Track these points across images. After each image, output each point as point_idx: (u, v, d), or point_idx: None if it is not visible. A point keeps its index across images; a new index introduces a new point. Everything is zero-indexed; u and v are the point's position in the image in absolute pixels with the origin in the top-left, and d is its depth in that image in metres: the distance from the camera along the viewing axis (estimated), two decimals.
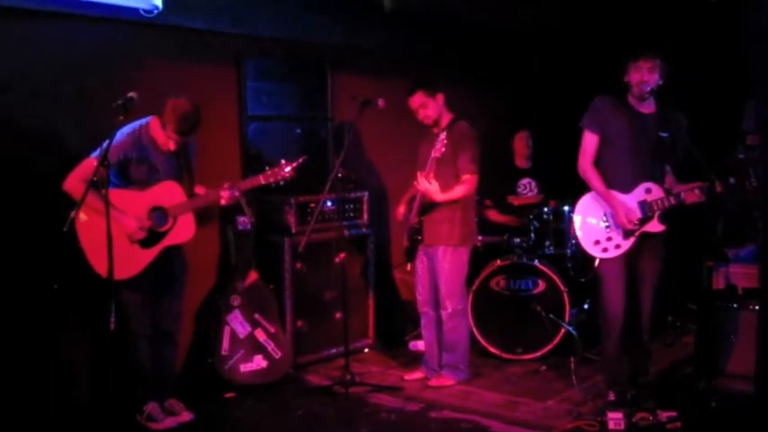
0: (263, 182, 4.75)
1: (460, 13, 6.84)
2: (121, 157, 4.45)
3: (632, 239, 4.52)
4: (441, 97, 5.28)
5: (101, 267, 4.28)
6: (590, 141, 4.64)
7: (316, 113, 6.40)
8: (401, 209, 5.53)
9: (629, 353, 4.71)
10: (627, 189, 4.53)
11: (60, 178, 4.40)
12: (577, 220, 4.70)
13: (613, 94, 4.65)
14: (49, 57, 4.78)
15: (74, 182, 4.36)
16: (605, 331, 4.70)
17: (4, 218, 4.55)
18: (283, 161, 4.76)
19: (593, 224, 4.62)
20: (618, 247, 4.55)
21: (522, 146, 6.77)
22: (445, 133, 5.04)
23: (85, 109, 4.83)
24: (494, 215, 6.52)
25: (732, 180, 4.33)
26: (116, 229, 3.99)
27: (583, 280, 6.02)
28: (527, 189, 6.69)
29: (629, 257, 4.58)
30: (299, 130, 6.33)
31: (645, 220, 4.50)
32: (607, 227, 4.57)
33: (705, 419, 4.49)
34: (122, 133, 4.43)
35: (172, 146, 4.53)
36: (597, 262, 4.66)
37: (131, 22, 5.06)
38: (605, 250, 4.57)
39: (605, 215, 4.59)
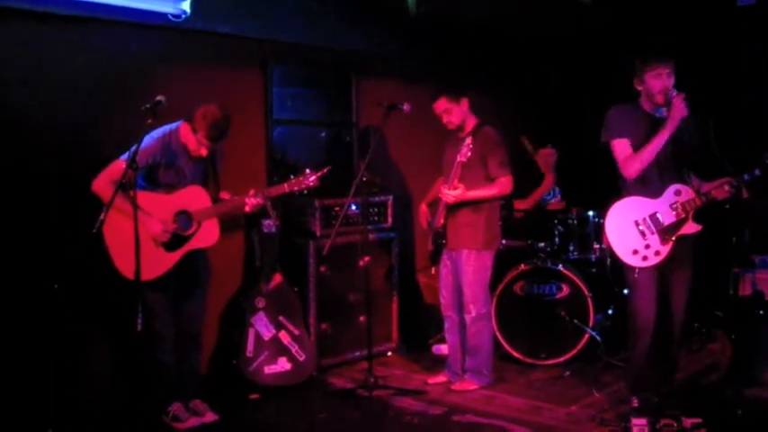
0: (287, 190, 4.78)
1: (485, 18, 6.85)
2: (150, 161, 4.51)
3: (670, 243, 4.41)
4: (465, 102, 5.29)
5: (125, 269, 4.35)
6: (623, 147, 4.49)
7: (340, 118, 6.44)
8: (423, 208, 5.57)
9: (656, 361, 4.63)
10: (656, 194, 4.46)
11: (89, 179, 4.47)
12: (610, 231, 4.53)
13: (626, 103, 4.59)
14: (79, 61, 4.86)
15: (102, 183, 4.42)
16: (634, 339, 4.61)
17: (36, 218, 4.64)
18: (308, 170, 4.79)
19: (627, 233, 4.47)
20: (657, 253, 4.42)
21: (545, 163, 6.78)
22: (471, 137, 5.05)
23: (114, 112, 4.90)
24: (517, 204, 6.55)
25: (758, 172, 4.23)
26: (141, 231, 4.03)
27: (626, 291, 5.96)
28: (550, 195, 6.69)
29: (661, 265, 4.48)
30: (323, 135, 6.38)
31: (679, 223, 4.43)
32: (642, 233, 4.46)
33: (731, 427, 4.44)
34: (152, 137, 4.49)
35: (203, 152, 4.59)
36: (636, 272, 4.48)
37: (160, 27, 5.14)
38: (645, 258, 4.44)
39: (638, 222, 4.47)
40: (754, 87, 6.44)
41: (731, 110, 6.08)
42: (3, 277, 4.53)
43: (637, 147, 4.49)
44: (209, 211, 4.64)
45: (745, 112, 6.37)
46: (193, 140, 4.56)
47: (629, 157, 4.47)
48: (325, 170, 4.83)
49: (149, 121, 4.01)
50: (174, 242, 4.56)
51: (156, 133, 4.53)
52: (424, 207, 5.58)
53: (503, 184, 5.22)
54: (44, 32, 4.71)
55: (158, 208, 4.54)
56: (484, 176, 5.23)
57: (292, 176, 4.81)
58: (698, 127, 4.50)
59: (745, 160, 4.35)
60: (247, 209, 4.72)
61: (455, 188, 5.11)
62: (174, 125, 4.62)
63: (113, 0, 4.84)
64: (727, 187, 4.35)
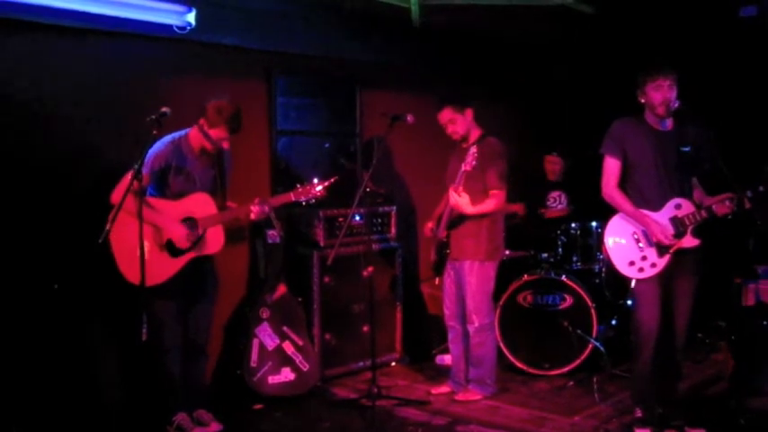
0: (293, 199, 4.80)
1: (489, 28, 6.88)
2: (163, 164, 4.55)
3: (667, 257, 4.42)
4: (470, 113, 5.31)
5: (130, 274, 4.38)
6: (612, 166, 4.57)
7: (344, 128, 6.47)
8: (430, 224, 5.56)
9: (659, 371, 4.61)
10: (657, 207, 4.47)
11: (97, 189, 4.50)
12: (609, 242, 4.57)
13: (631, 115, 4.60)
14: (87, 72, 4.90)
15: (121, 195, 4.44)
16: (638, 349, 4.59)
17: (45, 227, 4.66)
18: (315, 180, 4.80)
19: (624, 245, 4.51)
20: (654, 265, 4.44)
21: (551, 169, 6.80)
22: (476, 147, 5.05)
23: (120, 122, 4.93)
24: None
25: (761, 188, 4.24)
26: (150, 235, 4.02)
27: (621, 302, 5.97)
28: (557, 202, 6.70)
29: (664, 276, 4.48)
30: (327, 145, 6.40)
31: (678, 235, 4.42)
32: (640, 246, 4.48)
33: None
34: (162, 142, 4.55)
35: (226, 145, 4.65)
36: (633, 283, 4.52)
37: (165, 39, 5.18)
38: (641, 270, 4.45)
39: (636, 234, 4.49)
40: (756, 97, 6.45)
41: (734, 120, 6.09)
42: (12, 280, 4.56)
43: (636, 158, 4.51)
44: (214, 218, 4.66)
45: (749, 122, 6.38)
46: (207, 142, 4.59)
47: (608, 179, 4.58)
48: (332, 180, 4.85)
49: (154, 131, 4.03)
50: (179, 248, 4.58)
51: (166, 138, 4.59)
52: (431, 224, 5.57)
53: (496, 200, 5.21)
54: (50, 44, 4.74)
55: (165, 214, 4.56)
56: (482, 188, 5.24)
57: (299, 186, 4.84)
58: (702, 139, 4.51)
59: (748, 171, 4.35)
60: (253, 216, 4.74)
61: (461, 195, 5.12)
62: (182, 132, 4.67)
63: (119, 12, 4.88)
64: (728, 203, 4.35)
